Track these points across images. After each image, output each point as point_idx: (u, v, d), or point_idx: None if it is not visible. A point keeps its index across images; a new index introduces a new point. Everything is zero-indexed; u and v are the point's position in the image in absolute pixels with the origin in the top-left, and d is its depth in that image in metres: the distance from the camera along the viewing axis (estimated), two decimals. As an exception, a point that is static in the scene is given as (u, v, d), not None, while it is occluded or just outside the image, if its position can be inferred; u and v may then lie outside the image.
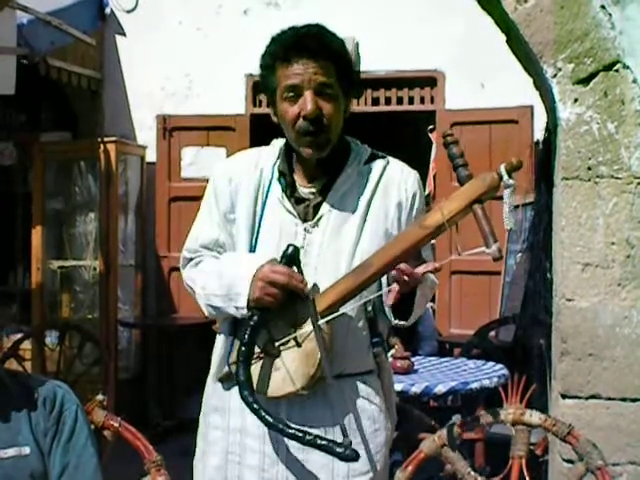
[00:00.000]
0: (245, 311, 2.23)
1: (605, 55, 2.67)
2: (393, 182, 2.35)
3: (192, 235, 2.45)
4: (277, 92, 2.28)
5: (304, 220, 2.32)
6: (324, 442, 2.10)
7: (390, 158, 2.41)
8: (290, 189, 2.34)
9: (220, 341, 2.40)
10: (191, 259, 2.43)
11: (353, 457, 2.09)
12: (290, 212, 2.32)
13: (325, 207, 2.32)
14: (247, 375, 2.19)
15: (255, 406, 2.16)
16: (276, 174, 2.36)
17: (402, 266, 2.13)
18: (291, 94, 2.25)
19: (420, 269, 2.15)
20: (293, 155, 2.36)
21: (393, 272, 2.15)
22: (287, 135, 2.33)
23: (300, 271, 2.21)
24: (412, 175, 2.40)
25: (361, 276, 2.19)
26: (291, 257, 2.21)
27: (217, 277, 2.31)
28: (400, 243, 2.19)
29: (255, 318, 2.21)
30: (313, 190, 2.34)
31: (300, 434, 2.12)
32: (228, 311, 2.29)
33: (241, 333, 2.23)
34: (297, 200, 2.34)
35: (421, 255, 2.28)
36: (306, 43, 2.24)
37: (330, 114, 2.25)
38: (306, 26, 2.30)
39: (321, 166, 2.33)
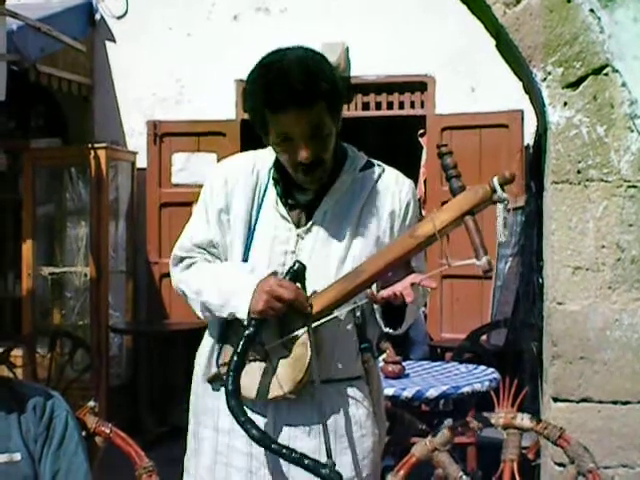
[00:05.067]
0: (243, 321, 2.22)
1: (594, 59, 2.68)
2: (387, 191, 2.35)
3: (186, 233, 2.44)
4: (269, 134, 2.25)
5: (297, 226, 2.32)
6: (309, 462, 2.08)
7: (385, 166, 2.40)
8: (285, 195, 2.33)
9: (208, 341, 2.40)
10: (182, 259, 2.41)
11: (337, 479, 2.06)
12: (284, 217, 2.32)
13: (319, 213, 2.31)
14: (236, 385, 2.18)
15: (242, 418, 2.15)
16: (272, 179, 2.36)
17: (397, 286, 2.14)
18: (284, 139, 2.21)
19: (408, 279, 2.16)
20: None
21: (383, 287, 2.15)
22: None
23: (304, 288, 2.20)
24: (407, 184, 2.40)
25: (353, 282, 2.19)
26: (296, 273, 2.19)
27: (215, 286, 2.30)
28: (391, 251, 2.19)
29: (252, 329, 2.20)
30: (308, 197, 2.33)
31: (286, 451, 2.11)
32: (223, 316, 2.29)
33: (235, 342, 2.22)
34: (291, 206, 2.33)
35: (410, 264, 2.27)
36: (294, 92, 2.13)
37: (325, 152, 2.23)
38: (287, 60, 2.17)
39: None
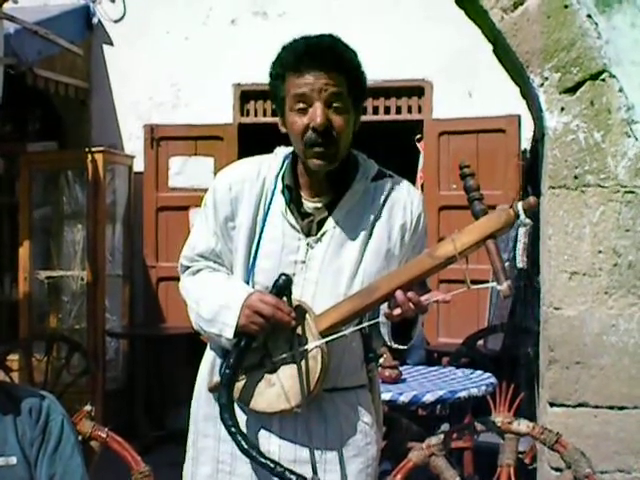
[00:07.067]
0: (231, 340, 2.22)
1: (591, 64, 2.68)
2: (399, 203, 2.32)
3: (189, 243, 2.42)
4: (286, 102, 2.23)
5: (307, 235, 2.29)
6: (293, 477, 2.09)
7: (397, 177, 2.38)
8: (295, 203, 2.30)
9: (212, 350, 2.39)
10: (188, 267, 2.41)
11: None
12: (293, 226, 2.29)
13: (330, 223, 2.28)
14: (229, 398, 2.19)
15: (233, 429, 2.16)
16: (279, 185, 2.31)
17: (410, 294, 2.12)
18: (300, 105, 2.19)
19: (425, 297, 2.15)
20: (298, 167, 2.32)
21: (400, 297, 2.12)
22: (295, 146, 2.28)
23: (290, 302, 2.18)
24: (417, 196, 2.38)
25: (367, 299, 2.18)
26: (281, 287, 2.18)
27: (207, 300, 2.30)
28: (409, 270, 2.17)
29: (242, 343, 2.20)
30: (318, 205, 2.30)
31: (272, 465, 2.12)
32: (212, 332, 2.28)
33: (228, 356, 2.23)
34: (301, 214, 2.30)
35: (426, 283, 2.27)
36: (318, 53, 2.19)
37: (340, 127, 2.20)
38: (319, 36, 2.26)
39: (328, 180, 2.28)
